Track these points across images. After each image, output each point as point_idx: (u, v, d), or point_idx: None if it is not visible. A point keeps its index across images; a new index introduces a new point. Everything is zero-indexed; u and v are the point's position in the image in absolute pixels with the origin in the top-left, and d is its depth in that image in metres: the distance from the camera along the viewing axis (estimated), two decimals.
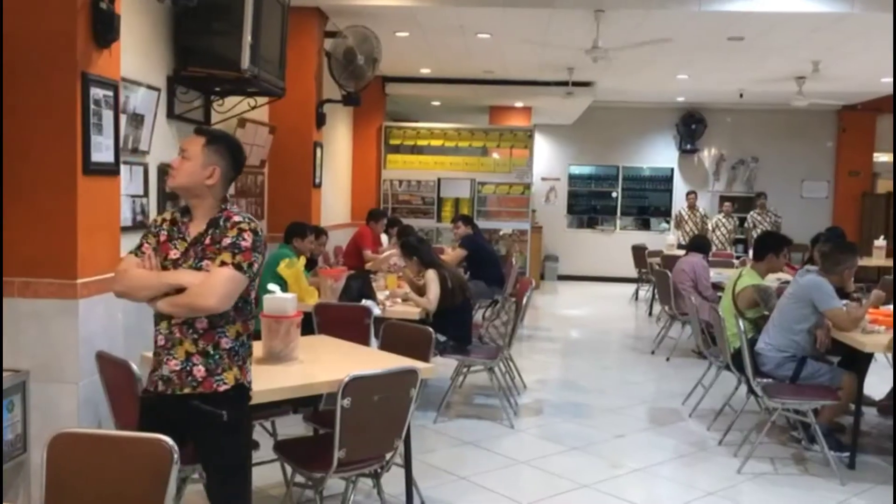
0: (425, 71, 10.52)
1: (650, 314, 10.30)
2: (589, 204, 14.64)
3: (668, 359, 7.57)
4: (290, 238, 5.82)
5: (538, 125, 13.20)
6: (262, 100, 5.80)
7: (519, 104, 12.41)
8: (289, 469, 3.46)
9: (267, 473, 3.80)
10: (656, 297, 9.29)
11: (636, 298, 11.73)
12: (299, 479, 3.40)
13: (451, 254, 7.87)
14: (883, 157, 14.03)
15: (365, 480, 3.49)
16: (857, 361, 4.91)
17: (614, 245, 13.63)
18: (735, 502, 4.12)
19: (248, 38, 4.67)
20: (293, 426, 4.22)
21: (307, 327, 4.43)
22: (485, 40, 8.24)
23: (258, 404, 2.82)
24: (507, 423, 5.29)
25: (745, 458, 4.58)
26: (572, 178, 14.51)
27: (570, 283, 13.59)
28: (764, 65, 9.13)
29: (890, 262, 10.16)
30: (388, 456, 3.29)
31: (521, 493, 4.12)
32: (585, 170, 14.61)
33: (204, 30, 4.81)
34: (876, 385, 5.39)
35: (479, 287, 7.48)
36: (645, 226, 14.42)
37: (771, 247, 5.43)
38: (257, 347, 3.21)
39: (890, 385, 5.36)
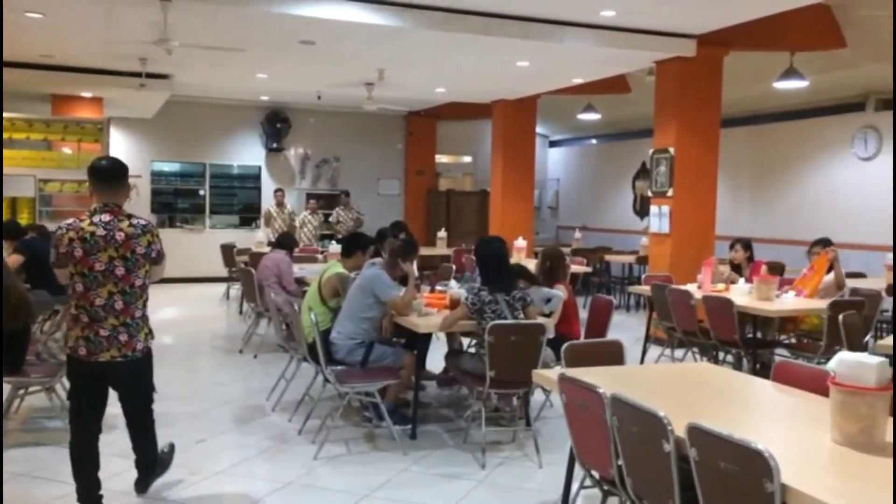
0: None
1: (241, 312, 10.26)
2: (175, 202, 14.06)
3: (255, 356, 7.62)
4: None
5: (113, 118, 12.26)
6: None
7: (87, 94, 11.31)
8: None
9: None
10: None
11: (227, 297, 11.60)
12: None
13: (7, 261, 6.86)
14: (444, 159, 15.97)
15: None
16: (417, 341, 5.48)
17: (204, 244, 13.27)
18: (310, 487, 4.29)
19: None
20: None
21: None
22: (37, 20, 7.32)
23: None
24: None
25: (321, 444, 4.81)
26: (156, 176, 13.77)
27: (159, 286, 12.80)
28: (337, 70, 9.68)
29: (450, 251, 11.60)
30: None
31: None
32: (170, 166, 13.99)
33: None
34: (438, 361, 6.04)
35: (41, 297, 6.65)
36: (235, 224, 14.33)
37: (358, 245, 5.86)
38: None
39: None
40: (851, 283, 7.21)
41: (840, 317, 5.46)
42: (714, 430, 2.33)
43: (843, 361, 2.54)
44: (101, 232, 3.48)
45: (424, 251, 11.67)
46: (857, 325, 5.62)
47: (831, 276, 6.79)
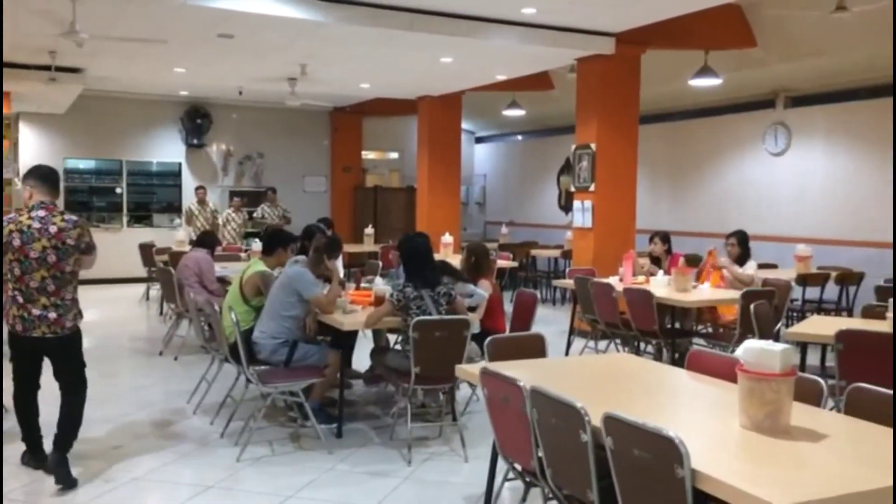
0: None
1: (161, 313, 9.98)
2: (91, 200, 13.55)
3: (176, 358, 7.42)
4: None
5: (22, 113, 11.73)
6: None
7: None
8: None
9: None
10: None
11: (147, 298, 11.27)
12: None
13: None
14: (370, 155, 15.88)
15: None
16: (342, 339, 5.44)
17: (122, 244, 12.81)
18: (233, 491, 4.20)
19: None
20: None
21: None
22: None
23: None
24: None
25: (244, 446, 4.72)
26: (70, 173, 13.24)
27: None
28: (258, 64, 9.50)
29: (378, 248, 11.55)
30: None
31: None
32: (85, 164, 13.48)
33: None
34: (364, 359, 5.98)
35: None
36: (154, 223, 13.91)
37: (279, 242, 5.77)
38: None
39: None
40: (763, 273, 7.51)
41: (752, 306, 5.67)
42: (628, 419, 2.38)
43: (750, 349, 2.64)
44: (36, 225, 4.07)
45: (352, 248, 11.61)
46: (768, 314, 5.85)
47: (739, 271, 7.06)
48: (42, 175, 4.24)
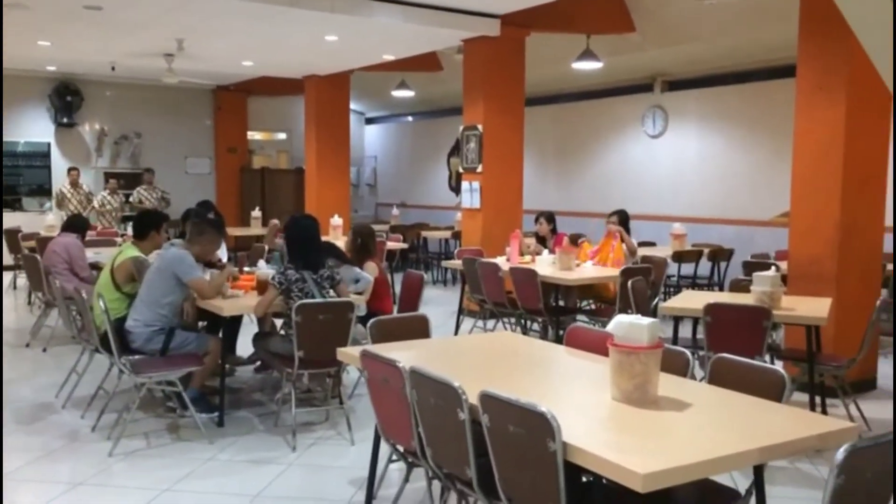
0: None
1: (29, 303, 9.40)
2: None
3: (45, 349, 7.00)
4: None
5: None
6: None
7: None
8: None
9: None
10: None
11: (14, 287, 10.57)
12: None
13: None
14: (257, 136, 15.43)
15: None
16: (224, 325, 5.26)
17: None
18: (105, 486, 4.00)
19: None
20: None
21: None
22: None
23: None
24: None
25: (117, 439, 4.50)
26: None
27: None
28: (130, 38, 8.99)
29: (254, 232, 11.23)
30: None
31: None
32: None
33: None
34: (249, 344, 5.78)
35: None
36: (23, 206, 13.03)
37: (151, 224, 5.50)
38: None
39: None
40: (641, 251, 7.81)
41: (629, 282, 5.87)
42: (502, 396, 2.40)
43: (619, 324, 2.71)
44: None
45: (238, 231, 11.26)
46: (645, 290, 6.07)
47: (629, 237, 7.35)
48: None
